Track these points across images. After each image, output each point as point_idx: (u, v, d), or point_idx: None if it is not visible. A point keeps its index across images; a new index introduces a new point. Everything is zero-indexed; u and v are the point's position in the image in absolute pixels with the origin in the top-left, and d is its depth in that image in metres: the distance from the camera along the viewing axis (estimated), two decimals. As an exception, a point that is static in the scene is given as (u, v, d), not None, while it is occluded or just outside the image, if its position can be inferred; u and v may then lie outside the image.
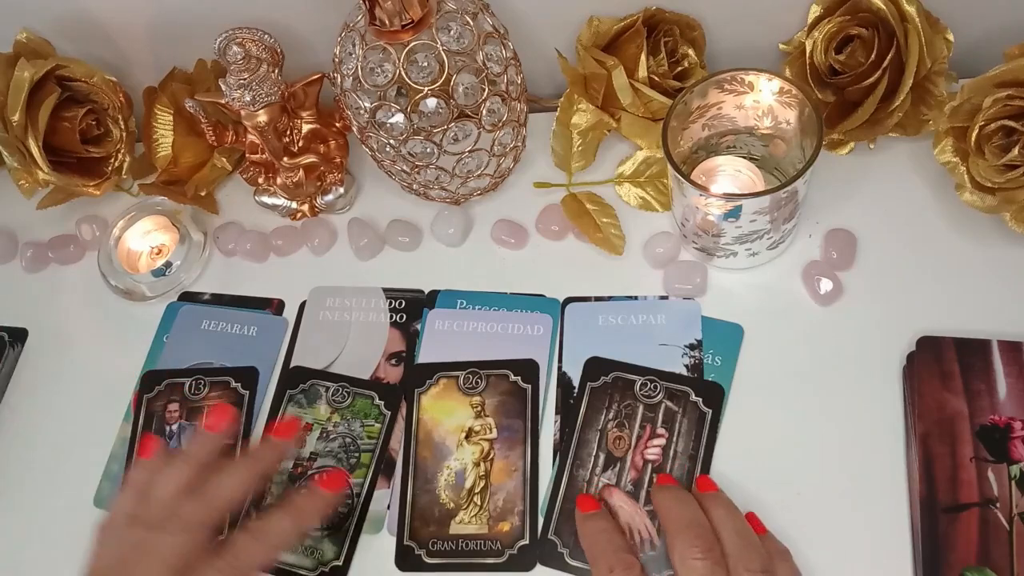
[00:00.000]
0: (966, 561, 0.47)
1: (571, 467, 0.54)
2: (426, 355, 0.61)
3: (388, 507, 0.56)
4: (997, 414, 0.50)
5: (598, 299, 0.61)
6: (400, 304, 0.64)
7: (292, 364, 0.62)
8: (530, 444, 0.56)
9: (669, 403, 0.56)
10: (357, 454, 0.58)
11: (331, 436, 0.59)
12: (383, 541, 0.55)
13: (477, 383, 0.59)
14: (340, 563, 0.54)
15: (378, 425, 0.59)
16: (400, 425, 0.59)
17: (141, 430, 0.61)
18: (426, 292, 0.64)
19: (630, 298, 0.60)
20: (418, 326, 0.62)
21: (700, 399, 0.55)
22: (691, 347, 0.58)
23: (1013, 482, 0.49)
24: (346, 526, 0.56)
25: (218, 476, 0.49)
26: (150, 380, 0.63)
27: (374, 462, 0.58)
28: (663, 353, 0.58)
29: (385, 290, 0.65)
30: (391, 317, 0.63)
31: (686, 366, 0.57)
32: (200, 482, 0.49)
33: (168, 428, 0.61)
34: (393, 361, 0.61)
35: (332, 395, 0.60)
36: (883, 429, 0.53)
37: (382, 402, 0.60)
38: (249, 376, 0.62)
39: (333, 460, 0.58)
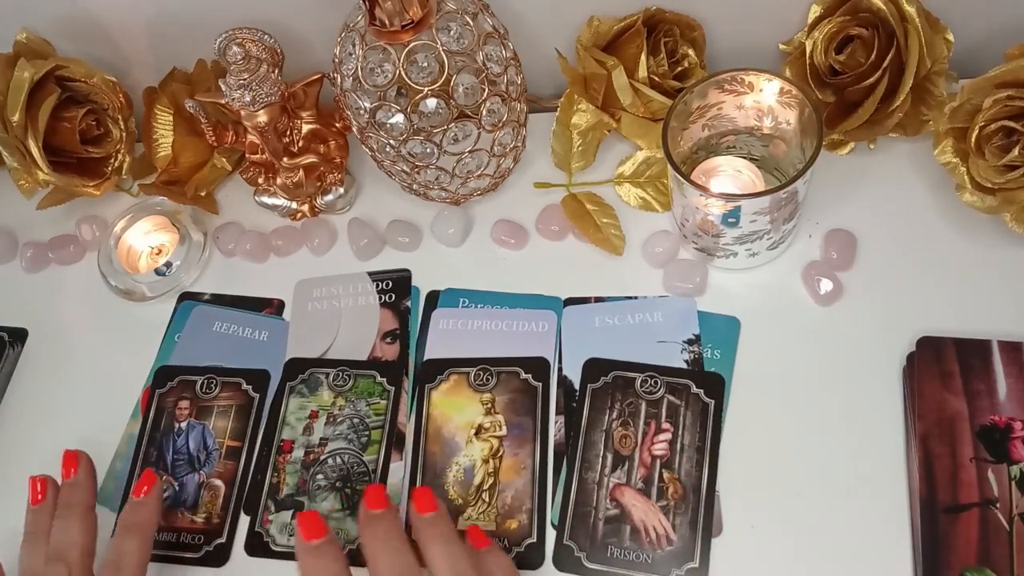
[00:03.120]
0: (966, 561, 0.47)
1: (579, 470, 0.54)
2: (432, 354, 0.61)
3: (403, 477, 0.56)
4: (997, 414, 0.50)
5: (597, 299, 0.61)
6: (387, 285, 0.64)
7: (287, 357, 0.62)
8: (539, 442, 0.56)
9: (671, 397, 0.56)
10: (367, 432, 0.58)
11: (338, 419, 0.59)
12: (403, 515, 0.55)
13: (488, 380, 0.59)
14: None
15: (383, 402, 0.59)
16: (406, 399, 0.59)
17: (151, 426, 0.61)
18: (411, 272, 0.65)
19: (628, 298, 0.60)
20: (408, 303, 0.63)
21: (701, 391, 0.55)
22: (689, 342, 0.58)
23: (1013, 482, 0.49)
24: None
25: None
26: (163, 376, 0.63)
27: (385, 437, 0.58)
28: (662, 350, 0.58)
29: (370, 274, 0.65)
30: (380, 298, 0.64)
31: (686, 361, 0.57)
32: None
33: (177, 425, 0.61)
34: (388, 339, 0.62)
35: (333, 380, 0.61)
36: (883, 429, 0.53)
37: (384, 379, 0.60)
38: (261, 379, 0.62)
39: (344, 442, 0.58)
